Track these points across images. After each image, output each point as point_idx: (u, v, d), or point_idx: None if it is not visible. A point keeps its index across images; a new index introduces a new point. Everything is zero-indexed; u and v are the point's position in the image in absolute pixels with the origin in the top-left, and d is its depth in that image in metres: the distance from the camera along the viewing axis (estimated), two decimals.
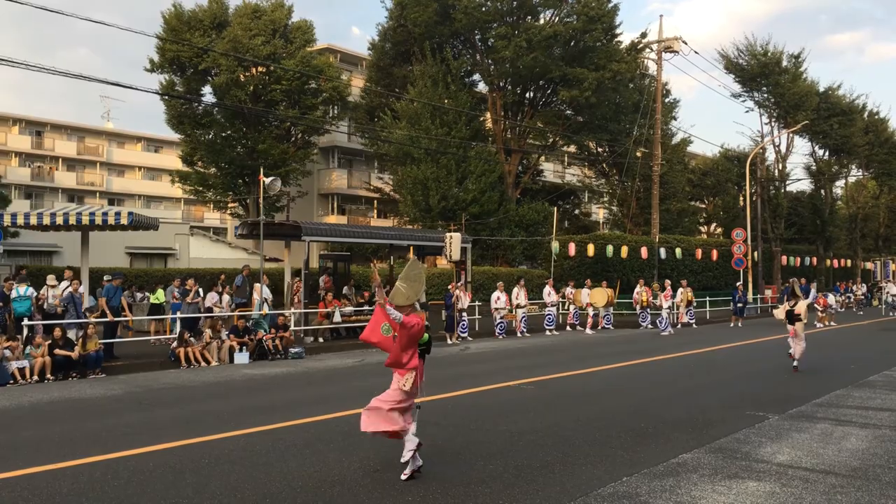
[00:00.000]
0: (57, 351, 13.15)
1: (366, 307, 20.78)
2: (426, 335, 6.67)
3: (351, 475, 6.55)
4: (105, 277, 16.79)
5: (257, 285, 18.57)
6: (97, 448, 7.53)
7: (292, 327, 18.16)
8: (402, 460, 6.49)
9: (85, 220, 16.90)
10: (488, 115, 37.78)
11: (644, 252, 31.09)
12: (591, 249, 29.47)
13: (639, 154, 36.61)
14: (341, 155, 47.27)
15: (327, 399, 10.75)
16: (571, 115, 38.08)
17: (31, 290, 15.41)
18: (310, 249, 20.56)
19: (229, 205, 37.84)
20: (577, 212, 48.87)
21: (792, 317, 14.18)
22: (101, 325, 15.18)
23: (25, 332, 14.15)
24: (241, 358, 15.65)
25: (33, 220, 17.30)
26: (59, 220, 16.92)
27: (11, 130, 56.59)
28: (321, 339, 19.13)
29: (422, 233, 26.25)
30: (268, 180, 19.31)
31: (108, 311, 15.35)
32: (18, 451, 7.54)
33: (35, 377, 12.78)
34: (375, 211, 48.11)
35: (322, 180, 45.81)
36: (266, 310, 17.94)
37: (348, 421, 8.98)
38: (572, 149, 43.95)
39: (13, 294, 15.18)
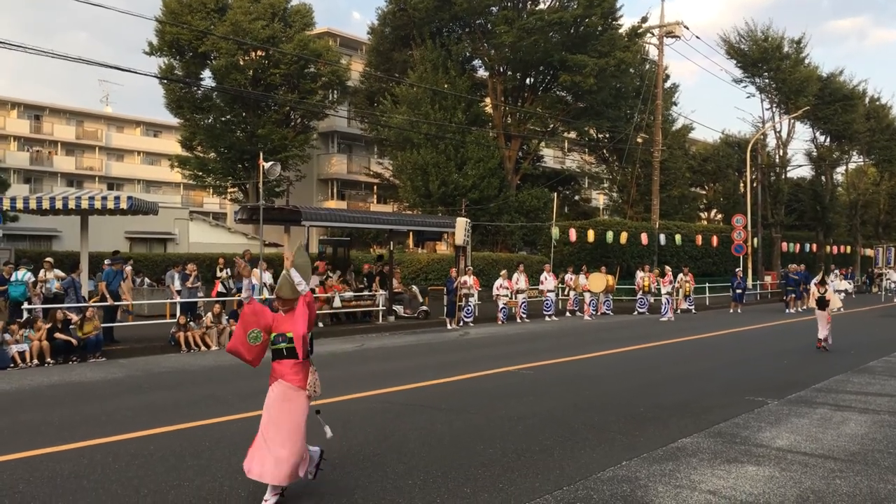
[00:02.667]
0: (57, 335, 13.15)
1: (366, 292, 20.82)
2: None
3: (351, 458, 6.56)
4: (106, 261, 16.78)
5: (256, 270, 18.55)
6: (98, 431, 7.55)
7: None
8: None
9: (84, 204, 16.84)
10: (488, 100, 37.64)
11: (644, 238, 31.08)
12: (591, 235, 29.45)
13: (639, 140, 36.52)
14: (341, 140, 47.16)
15: (326, 383, 10.69)
16: (571, 101, 37.93)
17: (29, 274, 15.39)
18: (309, 234, 20.55)
19: (229, 190, 37.79)
20: (577, 198, 48.84)
21: (822, 303, 15.01)
22: (101, 309, 15.18)
23: (25, 315, 14.16)
24: None
25: (33, 205, 17.25)
26: (59, 205, 16.87)
27: (10, 114, 56.36)
28: (321, 325, 19.12)
29: (422, 218, 26.21)
30: (267, 165, 19.24)
31: (107, 295, 15.34)
32: (19, 434, 7.56)
33: (35, 361, 12.79)
34: (375, 196, 48.05)
35: (321, 165, 45.72)
36: (266, 294, 17.93)
37: (348, 405, 9.01)
38: (572, 135, 43.84)
39: (12, 278, 15.17)
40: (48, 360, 12.91)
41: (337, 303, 19.40)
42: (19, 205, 17.30)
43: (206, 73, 34.14)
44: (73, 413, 8.71)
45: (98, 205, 16.83)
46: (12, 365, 12.52)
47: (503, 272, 22.77)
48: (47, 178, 56.02)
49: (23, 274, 15.19)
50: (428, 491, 5.65)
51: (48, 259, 16.55)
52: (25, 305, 14.52)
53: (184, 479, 5.95)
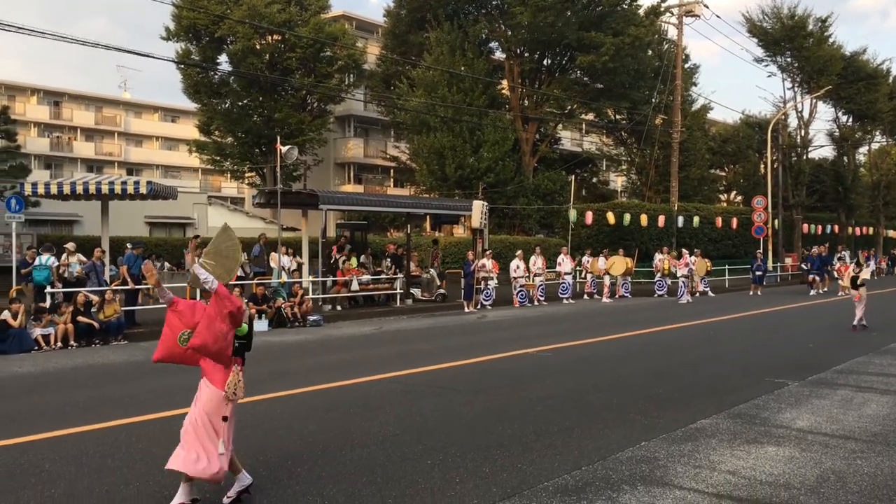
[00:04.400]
0: (79, 318, 13.32)
1: (383, 275, 20.88)
2: (244, 326, 5.18)
3: (372, 439, 6.61)
4: (127, 245, 16.94)
5: (275, 254, 18.67)
6: (121, 412, 7.65)
7: (310, 295, 18.27)
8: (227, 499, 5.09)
9: (105, 189, 17.02)
10: (505, 82, 37.41)
11: (662, 220, 30.85)
12: (609, 218, 29.29)
13: (658, 121, 36.17)
14: (357, 124, 47.11)
15: (346, 365, 10.83)
16: (589, 82, 37.61)
17: (52, 259, 15.57)
18: (327, 218, 20.58)
19: (246, 174, 37.92)
20: (594, 180, 48.51)
21: (856, 283, 15.34)
22: (123, 292, 15.35)
23: (49, 300, 14.35)
24: (261, 325, 15.78)
25: (54, 190, 17.45)
26: (80, 190, 17.05)
27: (30, 101, 56.81)
28: (339, 308, 19.24)
29: (439, 201, 26.20)
30: (285, 149, 19.30)
31: (128, 279, 15.50)
32: (44, 415, 7.68)
33: (59, 344, 12.97)
34: (392, 180, 48.02)
35: (338, 149, 45.73)
36: (284, 278, 18.05)
37: (367, 386, 9.07)
38: (590, 116, 43.49)
39: (35, 263, 15.35)
40: (72, 342, 13.09)
41: (355, 286, 19.48)
42: (41, 190, 17.51)
43: (223, 58, 34.15)
44: (96, 394, 8.84)
45: (118, 190, 17.01)
46: (36, 348, 12.71)
47: (519, 253, 22.73)
48: (67, 164, 56.51)
49: (46, 259, 15.38)
50: (447, 470, 5.69)
51: (70, 243, 16.72)
52: (48, 289, 14.69)
53: None
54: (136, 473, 5.64)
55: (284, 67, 32.35)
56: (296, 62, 32.21)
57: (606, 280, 24.15)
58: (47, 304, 14.10)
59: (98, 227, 18.91)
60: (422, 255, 25.33)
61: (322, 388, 8.94)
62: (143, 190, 17.15)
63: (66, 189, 17.23)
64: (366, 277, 20.15)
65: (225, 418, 4.95)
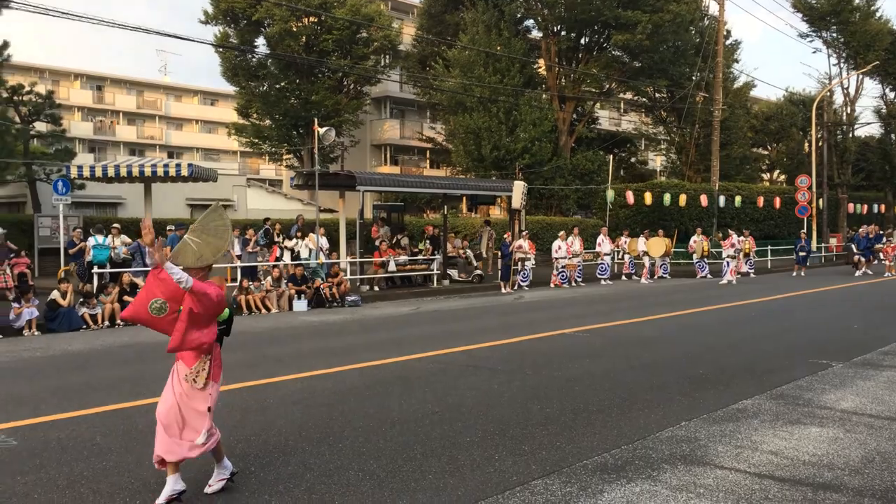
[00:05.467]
0: (125, 298, 13.64)
1: (420, 256, 20.98)
2: (227, 311, 5.01)
3: (410, 416, 6.68)
4: (168, 227, 17.26)
5: (312, 235, 18.85)
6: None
7: (347, 276, 18.44)
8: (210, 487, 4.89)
9: (147, 172, 17.34)
10: (542, 61, 37.05)
11: (703, 200, 30.40)
12: (648, 198, 28.95)
13: (699, 99, 35.53)
14: (393, 105, 47.13)
15: (384, 345, 10.94)
16: (628, 61, 37.06)
17: (108, 239, 15.94)
18: (364, 199, 20.70)
19: (284, 156, 38.26)
20: (633, 160, 47.91)
21: None
22: None
23: (96, 280, 14.71)
24: (300, 305, 16.01)
25: (98, 173, 17.83)
26: (123, 173, 17.39)
27: (73, 85, 57.93)
28: (376, 288, 19.39)
29: (475, 182, 26.14)
30: (322, 130, 19.42)
31: None
32: (95, 391, 7.91)
33: (106, 323, 13.31)
34: (428, 161, 48.03)
35: (374, 131, 45.85)
36: (322, 259, 18.23)
37: (406, 365, 9.15)
38: (629, 95, 42.90)
39: (91, 242, 15.71)
40: (118, 321, 13.41)
41: (392, 267, 19.60)
42: (86, 173, 17.90)
43: (261, 41, 34.41)
44: (143, 371, 9.07)
45: (160, 172, 17.31)
46: (84, 327, 13.06)
47: (562, 233, 22.61)
48: (110, 148, 57.60)
49: (103, 239, 15.74)
50: (486, 447, 5.73)
51: (115, 225, 17.10)
52: (96, 270, 15.06)
53: (249, 433, 6.16)
54: None
55: (321, 49, 32.47)
56: (332, 44, 32.30)
57: (646, 261, 23.93)
58: (96, 283, 14.45)
59: (141, 209, 19.29)
60: (472, 236, 25.35)
61: (361, 367, 9.04)
62: (184, 172, 17.44)
63: (111, 172, 17.60)
64: (403, 258, 20.26)
65: (209, 409, 4.79)
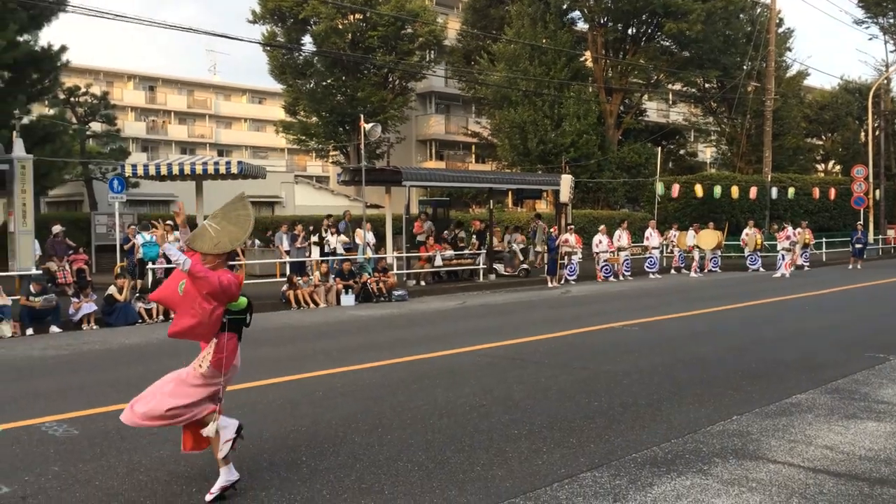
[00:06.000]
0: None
1: (466, 251, 21.01)
2: (243, 300, 4.83)
3: (458, 409, 6.71)
4: None
5: (359, 230, 19.03)
6: None
7: (395, 271, 18.58)
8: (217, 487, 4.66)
9: (198, 170, 17.72)
10: (588, 53, 36.68)
11: (754, 192, 29.75)
12: (698, 190, 28.46)
13: (750, 89, 34.76)
14: (438, 100, 47.21)
15: (431, 339, 11.00)
16: (677, 51, 36.44)
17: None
18: (410, 195, 20.81)
19: (330, 153, 38.66)
20: (682, 152, 47.16)
21: None
22: None
23: (151, 276, 15.10)
24: (347, 300, 16.18)
25: (152, 171, 18.28)
26: (175, 171, 17.81)
27: (127, 86, 59.40)
28: (423, 283, 19.48)
29: (521, 176, 26.06)
30: (368, 126, 19.56)
31: None
32: (150, 382, 8.11)
33: (160, 317, 13.66)
34: (473, 156, 48.00)
35: (420, 126, 46.00)
36: (369, 253, 18.39)
37: (453, 359, 9.19)
38: (677, 86, 42.19)
39: (139, 240, 16.14)
40: (172, 315, 13.73)
41: (438, 261, 19.67)
42: (140, 171, 18.36)
43: (307, 39, 34.82)
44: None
45: (211, 170, 17.67)
46: (140, 321, 13.42)
47: (601, 228, 22.42)
48: (162, 146, 58.96)
49: (150, 236, 16.14)
50: (534, 440, 5.73)
51: (169, 222, 17.48)
52: (150, 266, 15.45)
53: (300, 424, 6.27)
54: None
55: (366, 46, 32.69)
56: (377, 40, 32.49)
57: (695, 254, 23.55)
58: (150, 278, 14.83)
59: (193, 207, 19.70)
60: (527, 230, 25.27)
61: (408, 360, 9.11)
62: (234, 170, 17.78)
63: (164, 170, 18.03)
64: (449, 253, 20.30)
65: (206, 379, 4.71)
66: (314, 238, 19.45)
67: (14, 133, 14.89)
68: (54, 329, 12.52)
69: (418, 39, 34.24)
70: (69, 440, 5.95)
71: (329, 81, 34.63)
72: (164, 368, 8.80)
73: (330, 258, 17.86)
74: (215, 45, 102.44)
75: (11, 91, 19.90)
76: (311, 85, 35.12)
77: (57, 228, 16.50)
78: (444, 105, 47.65)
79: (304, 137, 37.03)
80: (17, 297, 12.87)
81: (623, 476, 4.91)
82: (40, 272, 13.97)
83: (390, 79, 35.81)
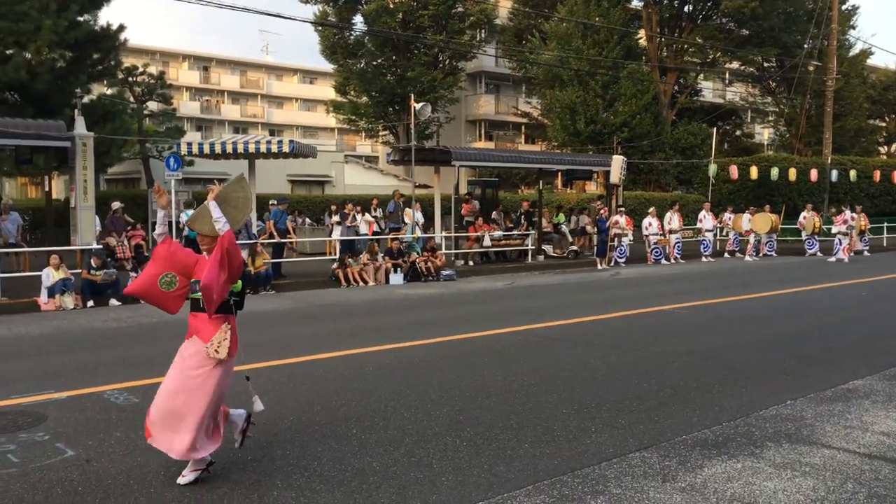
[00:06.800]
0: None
1: (515, 232, 20.94)
2: (239, 283, 4.71)
3: (506, 387, 6.74)
4: (271, 202, 17.87)
5: (408, 210, 19.11)
6: (273, 354, 8.19)
7: (443, 251, 18.64)
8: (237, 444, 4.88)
9: (251, 148, 17.94)
10: (642, 32, 35.97)
11: (813, 175, 28.88)
12: (753, 172, 27.76)
13: (811, 68, 33.67)
14: (488, 80, 46.94)
15: (479, 318, 11.02)
16: (734, 29, 35.47)
17: None
18: (459, 175, 20.79)
19: (380, 133, 38.85)
20: (738, 133, 46.06)
21: None
22: (270, 246, 16.26)
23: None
24: (396, 279, 16.30)
25: (206, 150, 18.58)
26: (229, 149, 18.06)
27: (182, 66, 60.47)
28: (471, 263, 19.50)
29: (571, 157, 25.76)
30: (418, 106, 19.57)
31: (275, 233, 16.39)
32: None
33: None
34: (523, 136, 47.69)
35: (469, 106, 45.82)
36: (418, 233, 18.47)
37: (501, 338, 9.21)
38: (735, 65, 41.13)
39: (183, 218, 16.48)
40: None
41: (487, 242, 19.65)
42: (195, 150, 18.66)
43: (358, 19, 34.93)
44: (250, 338, 9.45)
45: (263, 149, 17.87)
46: None
47: (651, 210, 22.10)
48: (216, 126, 59.97)
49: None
50: (582, 420, 5.72)
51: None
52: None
53: (350, 398, 6.37)
54: (288, 410, 6.05)
55: (417, 25, 32.66)
56: (428, 20, 32.43)
57: (750, 238, 23.05)
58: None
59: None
60: (594, 214, 25.03)
61: (456, 339, 9.16)
62: (285, 149, 17.95)
63: (217, 149, 18.31)
64: (497, 233, 20.27)
65: (247, 377, 4.68)
66: (336, 218, 19.68)
67: (76, 111, 15.29)
68: (114, 302, 12.90)
69: (469, 18, 34.06)
70: (130, 408, 6.16)
71: (379, 61, 34.74)
72: None
73: (359, 238, 18.14)
74: (268, 26, 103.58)
75: (73, 70, 20.45)
76: (362, 65, 35.28)
77: (116, 205, 16.96)
78: (493, 85, 47.37)
79: (354, 117, 37.29)
80: (79, 270, 13.31)
81: (672, 457, 4.88)
82: (100, 247, 14.37)
83: (440, 58, 35.74)
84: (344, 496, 4.31)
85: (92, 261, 13.08)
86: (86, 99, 20.65)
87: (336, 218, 19.57)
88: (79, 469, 4.76)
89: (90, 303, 12.72)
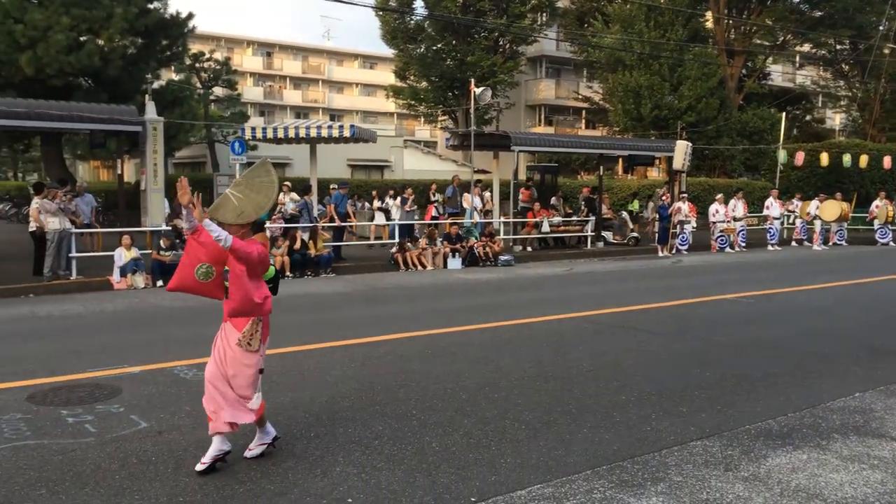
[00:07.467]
0: (296, 247, 14.56)
1: (574, 218, 20.76)
2: (272, 269, 4.79)
3: (565, 372, 6.73)
4: (332, 186, 18.14)
5: (467, 195, 19.13)
6: (334, 335, 8.35)
7: (501, 236, 18.62)
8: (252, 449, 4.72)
9: (313, 133, 18.20)
10: (709, 14, 35.02)
11: (887, 162, 27.75)
12: (824, 159, 26.85)
13: (886, 51, 32.29)
14: (549, 64, 46.44)
15: (537, 303, 11.00)
16: (806, 10, 34.24)
17: None
18: (518, 160, 20.69)
19: (439, 118, 38.90)
20: (808, 118, 44.55)
21: None
22: (331, 229, 16.51)
23: (268, 235, 15.77)
24: (454, 263, 16.37)
25: (270, 134, 18.93)
26: (291, 134, 18.36)
27: (246, 52, 61.58)
28: (529, 249, 19.44)
29: (634, 142, 25.35)
30: (479, 90, 19.53)
31: (335, 217, 16.63)
32: (271, 335, 8.51)
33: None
34: (583, 121, 47.10)
35: (529, 91, 45.45)
36: (477, 218, 18.49)
37: (559, 324, 9.18)
38: (806, 48, 39.72)
39: None
40: (287, 273, 14.35)
41: (545, 227, 19.55)
42: (258, 134, 19.06)
43: (419, 3, 35.00)
44: (313, 319, 9.70)
45: (325, 134, 18.12)
46: None
47: (719, 196, 21.58)
48: (278, 111, 60.96)
49: None
50: (642, 407, 5.68)
51: (286, 183, 18.15)
52: (268, 225, 16.12)
53: (411, 380, 6.46)
54: (350, 389, 6.17)
55: (478, 9, 32.51)
56: (489, 3, 32.26)
57: (818, 226, 22.33)
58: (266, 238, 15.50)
59: (307, 169, 20.33)
60: (613, 197, 24.79)
61: (514, 323, 9.17)
62: (346, 134, 18.16)
63: (280, 133, 18.64)
64: (556, 219, 20.14)
65: (262, 370, 4.69)
66: (378, 203, 19.97)
67: (146, 97, 15.77)
68: None
69: (531, 1, 33.75)
70: (199, 383, 6.33)
71: (439, 46, 34.74)
72: (282, 322, 9.26)
73: (396, 223, 18.37)
74: (329, 11, 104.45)
75: (143, 57, 21.07)
76: (422, 49, 35.34)
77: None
78: (554, 69, 46.85)
79: (413, 102, 37.43)
80: (149, 251, 13.77)
81: (735, 447, 4.81)
82: (169, 229, 14.83)
83: (501, 43, 35.53)
84: (404, 474, 4.39)
85: (161, 242, 13.52)
86: (155, 84, 21.27)
87: (378, 203, 19.85)
88: (152, 440, 4.97)
89: (160, 282, 13.15)
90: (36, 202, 12.96)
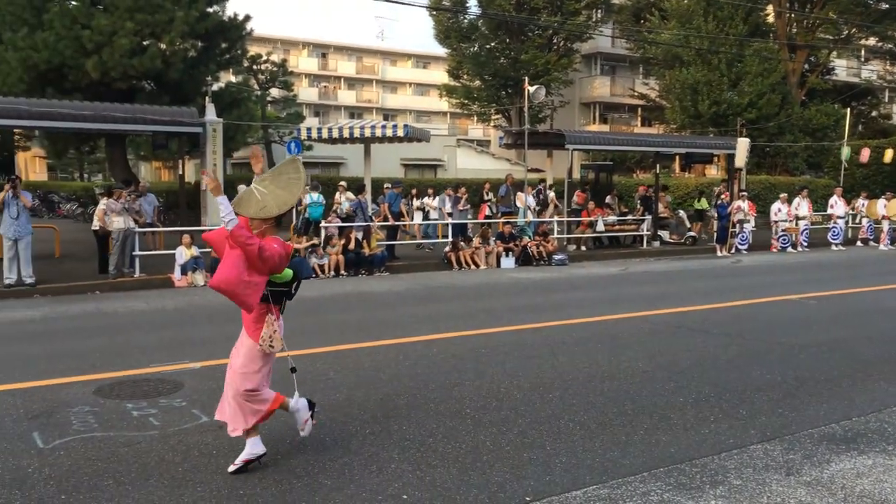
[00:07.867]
0: (351, 246, 14.73)
1: (629, 217, 20.49)
2: (289, 272, 4.53)
3: (621, 373, 6.65)
4: (386, 185, 18.28)
5: (520, 194, 19.06)
6: (389, 333, 8.43)
7: (555, 235, 18.49)
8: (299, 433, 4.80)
9: (367, 133, 18.39)
10: (770, 7, 34.14)
11: None
12: (888, 155, 25.92)
13: None
14: (604, 61, 45.94)
15: (592, 303, 10.90)
16: (872, 3, 33.08)
17: (321, 197, 17.26)
18: (572, 159, 20.53)
19: (492, 116, 38.84)
20: (874, 114, 43.04)
21: None
22: (384, 228, 16.65)
23: (323, 234, 15.99)
24: (507, 262, 16.32)
25: (324, 135, 19.21)
26: (346, 134, 18.59)
27: (301, 53, 62.52)
28: (584, 248, 19.26)
29: (691, 139, 24.86)
30: (532, 89, 19.43)
31: (389, 216, 16.75)
32: (326, 332, 8.68)
33: (332, 272, 14.48)
34: (639, 119, 46.46)
35: (584, 89, 45.03)
36: (530, 217, 18.40)
37: (615, 324, 9.08)
38: (871, 41, 38.39)
39: (307, 200, 17.11)
40: (342, 272, 14.53)
41: (600, 227, 19.34)
42: (314, 135, 19.35)
43: (472, 2, 35.02)
44: (367, 317, 9.80)
45: (378, 133, 18.29)
46: (313, 276, 14.29)
47: (782, 196, 21.02)
48: (332, 111, 61.74)
49: (317, 196, 17.06)
50: (700, 409, 5.58)
51: (342, 182, 18.38)
52: (323, 224, 16.35)
53: (464, 378, 6.47)
54: (404, 387, 6.22)
55: (532, 7, 32.35)
56: (543, 1, 32.05)
57: (885, 225, 21.56)
58: (322, 236, 15.72)
59: (361, 168, 20.56)
60: (710, 197, 24.29)
61: (569, 323, 9.10)
62: (400, 133, 18.30)
63: (335, 134, 18.89)
64: (611, 218, 19.91)
65: (293, 369, 4.70)
66: (417, 203, 20.04)
67: (206, 99, 16.16)
68: None
69: None
70: None
71: (493, 44, 34.69)
72: (337, 320, 9.38)
73: (429, 222, 18.43)
74: (383, 12, 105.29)
75: (203, 59, 21.55)
76: (475, 48, 35.35)
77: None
78: (609, 66, 46.31)
79: (466, 101, 37.47)
80: (208, 249, 14.10)
81: (797, 451, 4.69)
82: None
83: (555, 40, 35.31)
84: (459, 472, 4.40)
85: None
86: (214, 87, 21.74)
87: (417, 203, 19.97)
88: (213, 434, 5.09)
89: None
90: (103, 203, 13.42)
